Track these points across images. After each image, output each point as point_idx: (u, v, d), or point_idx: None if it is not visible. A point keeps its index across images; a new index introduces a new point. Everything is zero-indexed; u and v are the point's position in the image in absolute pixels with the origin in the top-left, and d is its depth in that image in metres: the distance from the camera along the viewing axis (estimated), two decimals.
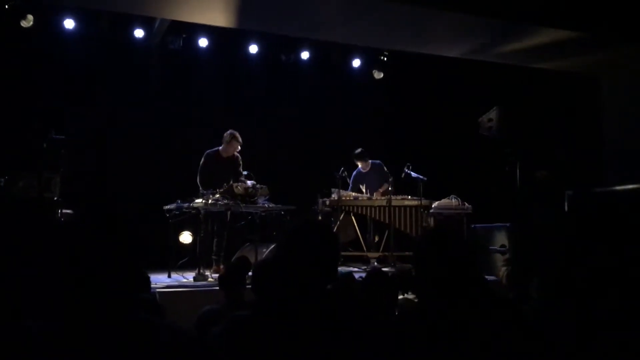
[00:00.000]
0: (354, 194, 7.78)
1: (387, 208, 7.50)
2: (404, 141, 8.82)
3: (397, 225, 7.54)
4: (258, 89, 9.03)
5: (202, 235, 6.42)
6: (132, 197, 7.78)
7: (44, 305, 1.37)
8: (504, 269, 3.49)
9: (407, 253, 7.50)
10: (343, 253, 7.30)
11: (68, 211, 6.10)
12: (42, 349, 1.28)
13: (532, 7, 6.29)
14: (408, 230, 7.62)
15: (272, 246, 6.24)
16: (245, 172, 6.63)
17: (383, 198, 7.60)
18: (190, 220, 6.55)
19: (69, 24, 7.72)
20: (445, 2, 6.03)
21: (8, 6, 7.09)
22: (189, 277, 6.09)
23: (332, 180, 7.47)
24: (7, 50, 7.38)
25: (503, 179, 6.79)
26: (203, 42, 8.44)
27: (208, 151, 6.74)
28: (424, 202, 7.52)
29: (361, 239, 7.89)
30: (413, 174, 7.49)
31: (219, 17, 6.40)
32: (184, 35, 8.22)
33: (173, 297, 5.09)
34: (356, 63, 9.43)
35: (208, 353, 1.70)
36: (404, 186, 7.84)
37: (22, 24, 7.25)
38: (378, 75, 9.42)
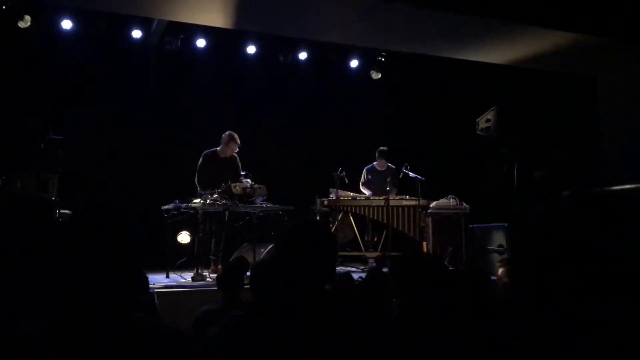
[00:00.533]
0: (352, 194, 7.78)
1: (385, 208, 7.51)
2: (402, 141, 8.82)
3: (395, 225, 7.56)
4: (256, 90, 9.03)
5: (200, 235, 6.42)
6: (130, 198, 7.78)
7: (42, 306, 1.37)
8: (501, 269, 3.49)
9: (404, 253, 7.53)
10: (341, 253, 7.30)
11: (66, 211, 6.10)
12: (40, 350, 1.28)
13: (531, 8, 6.30)
14: (406, 230, 7.63)
15: (270, 246, 6.24)
16: (243, 172, 6.64)
17: (381, 198, 7.61)
18: (188, 221, 6.55)
19: (67, 24, 7.72)
20: (442, 3, 6.03)
21: (5, 7, 7.07)
22: (187, 277, 6.08)
23: (330, 180, 7.48)
24: (5, 50, 7.37)
25: (501, 179, 6.80)
26: (201, 43, 8.44)
27: (206, 151, 6.75)
28: (422, 202, 7.53)
29: (359, 239, 7.90)
30: (411, 174, 7.50)
31: (218, 17, 6.40)
32: (181, 36, 8.22)
33: (171, 297, 5.09)
34: (354, 63, 9.44)
35: (206, 353, 1.70)
36: (402, 186, 7.86)
37: (19, 25, 7.24)
38: (376, 75, 9.42)
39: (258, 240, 6.35)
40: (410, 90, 9.37)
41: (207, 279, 5.94)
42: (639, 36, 6.66)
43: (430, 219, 7.50)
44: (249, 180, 6.44)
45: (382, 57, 9.23)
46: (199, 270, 6.06)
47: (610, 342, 1.07)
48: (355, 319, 1.81)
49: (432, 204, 7.55)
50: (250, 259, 6.00)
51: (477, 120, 7.08)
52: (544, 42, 6.84)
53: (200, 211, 6.19)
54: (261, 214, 6.50)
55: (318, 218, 7.60)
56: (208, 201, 6.09)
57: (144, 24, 8.06)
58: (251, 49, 8.75)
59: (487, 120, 6.72)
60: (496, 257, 6.66)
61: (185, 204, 6.19)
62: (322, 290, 1.85)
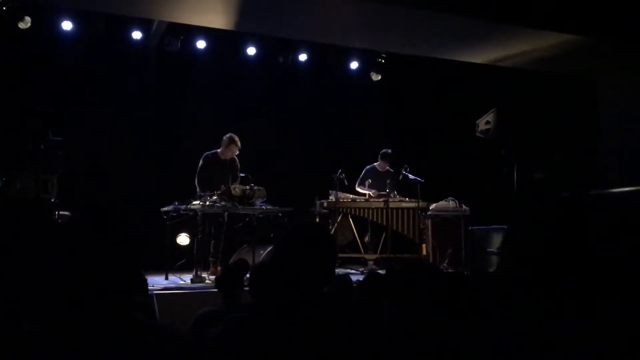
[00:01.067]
0: (351, 195, 7.78)
1: (384, 210, 7.51)
2: (401, 143, 8.82)
3: (394, 227, 7.56)
4: (256, 91, 9.03)
5: (199, 237, 6.42)
6: (130, 199, 7.77)
7: (42, 307, 1.37)
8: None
9: (404, 255, 7.52)
10: (340, 255, 7.30)
11: (65, 213, 6.09)
12: (39, 351, 1.28)
13: (531, 10, 6.30)
14: (405, 232, 7.63)
15: (270, 248, 6.24)
16: (242, 174, 6.63)
17: (380, 200, 7.61)
18: (187, 222, 6.55)
19: (67, 25, 7.71)
20: (442, 5, 6.04)
21: (6, 8, 7.08)
22: (186, 279, 6.08)
23: (330, 182, 7.48)
24: (5, 51, 7.37)
25: (500, 181, 6.81)
26: (201, 44, 8.44)
27: (207, 153, 6.74)
28: (422, 204, 7.52)
29: (359, 241, 7.90)
30: (410, 176, 7.50)
31: (217, 19, 6.41)
32: (181, 37, 8.22)
33: (170, 299, 5.09)
34: (354, 65, 9.44)
35: (206, 355, 1.70)
36: (402, 188, 7.85)
37: (19, 26, 7.24)
38: (376, 77, 9.42)
39: (257, 242, 6.35)
40: (410, 92, 9.37)
41: (207, 281, 5.94)
42: (638, 37, 6.66)
43: (429, 221, 7.50)
44: (247, 186, 6.44)
45: (382, 59, 9.24)
46: (198, 272, 6.06)
47: (608, 344, 1.07)
48: (354, 321, 1.81)
49: (432, 206, 7.55)
50: (249, 260, 6.00)
51: (476, 122, 7.09)
52: (543, 44, 6.84)
53: (199, 213, 6.19)
54: (261, 215, 6.50)
55: (317, 220, 7.60)
56: (208, 203, 6.09)
57: (143, 25, 8.06)
58: (251, 51, 8.75)
59: (487, 122, 6.73)
60: (496, 260, 6.66)
61: (184, 206, 6.18)
62: (321, 292, 1.85)
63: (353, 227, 7.89)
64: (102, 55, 8.17)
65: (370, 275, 3.69)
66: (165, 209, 6.31)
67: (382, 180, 7.78)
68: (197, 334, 2.92)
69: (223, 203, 6.15)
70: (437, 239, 7.40)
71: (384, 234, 7.62)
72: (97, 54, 8.12)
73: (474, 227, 7.29)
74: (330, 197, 7.58)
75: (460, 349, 1.52)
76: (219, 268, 6.30)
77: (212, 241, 6.51)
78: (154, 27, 8.05)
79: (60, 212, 5.90)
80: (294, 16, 6.29)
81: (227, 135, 6.71)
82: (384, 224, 7.51)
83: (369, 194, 7.79)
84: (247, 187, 6.37)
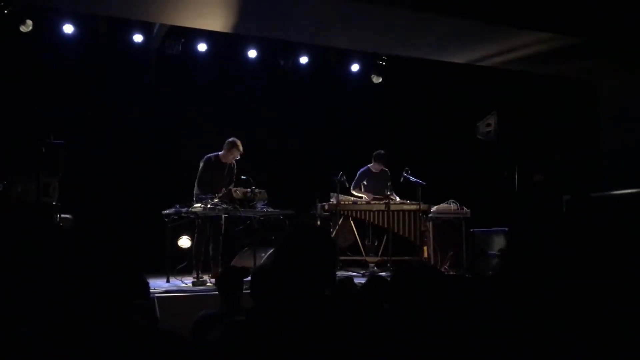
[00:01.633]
0: (352, 198, 7.78)
1: (385, 212, 7.50)
2: (402, 145, 8.83)
3: (395, 230, 7.55)
4: (257, 94, 9.04)
5: (196, 239, 6.42)
6: (131, 202, 7.78)
7: (42, 310, 1.38)
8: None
9: (406, 257, 7.52)
10: (342, 258, 7.30)
11: (66, 216, 6.11)
12: (40, 354, 1.28)
13: (531, 12, 6.31)
14: (407, 234, 7.62)
15: (271, 251, 6.24)
16: (243, 177, 6.63)
17: (382, 202, 7.60)
18: (188, 225, 6.55)
19: (68, 28, 7.72)
20: (442, 8, 6.05)
21: (7, 11, 7.09)
22: (187, 281, 6.08)
23: (331, 184, 7.47)
24: (7, 55, 7.39)
25: (501, 183, 6.81)
26: (202, 47, 8.45)
27: (209, 155, 6.73)
28: (423, 206, 7.52)
29: (360, 243, 7.89)
30: (412, 179, 7.49)
31: (217, 21, 6.42)
32: (182, 40, 8.23)
33: (172, 302, 5.09)
34: (355, 67, 9.44)
35: (206, 358, 1.70)
36: (403, 191, 7.85)
37: (21, 29, 7.25)
38: (377, 79, 9.42)
39: (258, 245, 6.36)
40: (411, 94, 9.37)
41: (208, 284, 5.93)
42: (638, 39, 6.67)
43: (430, 223, 7.50)
44: (248, 189, 6.44)
45: (382, 61, 9.24)
46: (199, 275, 6.06)
47: (607, 345, 1.07)
48: (355, 324, 1.81)
49: (433, 209, 7.55)
50: (250, 263, 6.01)
51: (477, 124, 7.09)
52: (544, 47, 6.85)
53: (200, 216, 6.19)
54: (262, 218, 6.50)
55: (319, 222, 7.59)
56: (209, 206, 6.09)
57: (144, 29, 8.07)
58: (252, 53, 8.76)
59: (488, 125, 6.73)
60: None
61: (185, 209, 6.19)
62: (322, 295, 1.85)
63: (354, 229, 7.88)
64: (103, 59, 8.19)
65: (372, 279, 3.69)
66: (167, 211, 6.31)
67: (378, 181, 7.77)
68: (196, 337, 2.93)
69: (224, 206, 6.15)
70: (438, 242, 7.40)
71: (385, 237, 7.61)
72: (98, 57, 8.13)
73: (475, 230, 7.29)
74: (332, 200, 7.58)
75: (460, 350, 1.52)
76: (219, 270, 6.29)
77: (211, 244, 6.50)
78: (154, 30, 8.06)
79: (62, 215, 5.90)
80: (294, 18, 6.30)
81: (231, 139, 6.69)
82: (385, 226, 7.51)
83: (364, 197, 7.78)
84: (248, 189, 6.37)
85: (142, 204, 7.67)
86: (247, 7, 5.95)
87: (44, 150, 5.77)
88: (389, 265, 7.30)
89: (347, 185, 7.58)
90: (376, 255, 7.79)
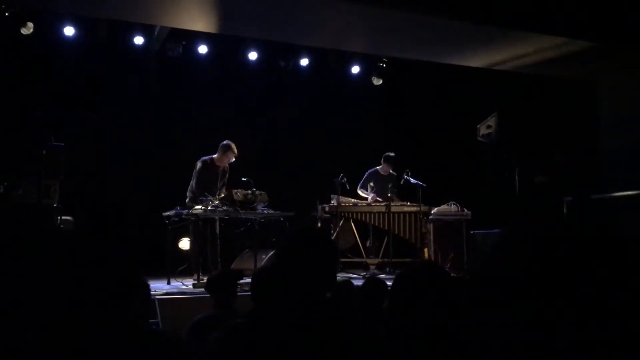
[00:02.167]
0: (353, 200, 7.77)
1: (386, 214, 7.51)
2: (403, 147, 8.83)
3: (396, 232, 7.55)
4: (257, 96, 9.05)
5: (192, 241, 6.43)
6: (132, 204, 7.78)
7: (42, 312, 1.38)
8: None
9: (406, 259, 7.52)
10: (342, 259, 7.30)
11: (67, 217, 6.11)
12: (39, 356, 1.28)
13: (532, 14, 6.31)
14: (407, 236, 7.62)
15: (271, 253, 6.24)
16: (244, 179, 6.63)
17: (382, 204, 7.60)
18: (189, 227, 6.55)
19: (69, 31, 7.74)
20: (442, 10, 6.05)
21: (8, 14, 7.11)
22: (188, 283, 6.08)
23: (332, 186, 7.48)
24: (8, 57, 7.40)
25: (502, 185, 6.80)
26: (202, 49, 8.47)
27: (204, 158, 6.73)
28: (423, 208, 7.52)
29: (360, 245, 7.89)
30: (412, 180, 7.50)
31: (216, 23, 6.42)
32: (183, 42, 8.24)
33: (172, 304, 5.09)
34: (355, 69, 9.46)
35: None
36: (404, 192, 7.85)
37: (22, 32, 7.26)
38: (377, 81, 9.44)
39: (259, 247, 6.35)
40: (411, 96, 9.38)
41: None
42: (638, 40, 6.67)
43: (431, 225, 7.50)
44: (249, 191, 6.43)
45: (383, 63, 9.26)
46: (200, 277, 6.06)
47: (606, 345, 1.07)
48: (355, 326, 1.81)
49: (434, 210, 7.55)
50: (251, 265, 6.01)
51: (478, 126, 7.09)
52: (544, 48, 6.85)
53: (201, 217, 6.20)
54: (262, 220, 6.50)
55: (319, 224, 7.60)
56: (209, 207, 6.10)
57: (145, 31, 8.08)
58: (252, 55, 8.77)
59: (488, 127, 6.74)
60: None
61: (186, 211, 6.19)
62: (323, 297, 1.86)
63: (355, 231, 7.89)
64: (104, 61, 8.20)
65: (370, 281, 3.69)
66: (167, 213, 6.31)
67: (385, 183, 7.76)
68: (193, 340, 2.92)
69: (225, 208, 6.15)
70: (439, 243, 7.40)
71: (385, 238, 7.62)
72: (98, 59, 8.15)
73: (476, 231, 7.29)
74: (332, 202, 7.58)
75: (460, 351, 1.52)
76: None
77: (209, 247, 6.50)
78: (155, 33, 8.08)
79: (62, 217, 5.91)
80: (294, 21, 6.30)
81: (225, 142, 6.69)
82: (386, 228, 7.51)
83: (369, 198, 7.77)
84: (249, 191, 6.37)
85: (143, 205, 7.67)
86: (247, 9, 5.95)
87: (44, 152, 5.77)
88: (388, 269, 7.30)
89: (348, 187, 7.58)
90: (377, 257, 7.79)
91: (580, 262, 1.15)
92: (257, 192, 6.43)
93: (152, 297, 4.87)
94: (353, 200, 7.78)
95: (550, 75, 7.80)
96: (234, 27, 6.60)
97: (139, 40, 8.10)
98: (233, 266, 6.61)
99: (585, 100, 7.92)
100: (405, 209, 7.64)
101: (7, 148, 7.08)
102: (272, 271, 2.77)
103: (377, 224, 7.63)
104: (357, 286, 3.73)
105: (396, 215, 7.57)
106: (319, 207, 7.68)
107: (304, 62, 9.09)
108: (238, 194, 6.28)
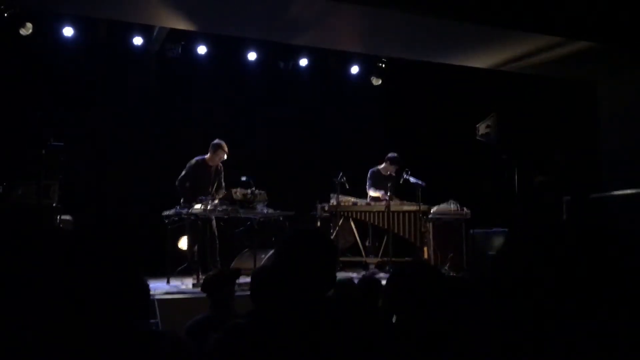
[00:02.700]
0: (353, 199, 7.77)
1: (385, 213, 7.51)
2: (402, 146, 8.83)
3: (395, 231, 7.55)
4: (257, 96, 9.04)
5: (190, 241, 6.43)
6: (131, 204, 7.78)
7: (42, 313, 1.38)
8: None
9: (406, 258, 7.52)
10: (342, 258, 7.30)
11: (67, 217, 6.11)
12: (39, 356, 1.28)
13: (531, 14, 6.31)
14: (407, 235, 7.63)
15: (271, 252, 6.24)
16: (244, 178, 6.63)
17: (382, 204, 7.61)
18: (189, 227, 6.55)
19: (68, 31, 7.73)
20: (442, 10, 6.05)
21: (7, 14, 7.10)
22: (188, 283, 6.08)
23: (331, 185, 7.48)
24: (7, 58, 7.39)
25: (501, 185, 6.81)
26: (202, 50, 8.46)
27: (197, 158, 6.73)
28: (423, 207, 7.52)
29: (360, 244, 7.89)
30: (412, 179, 7.50)
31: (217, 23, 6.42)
32: (182, 43, 8.24)
33: (172, 304, 5.09)
34: (354, 70, 9.46)
35: None
36: (403, 191, 7.85)
37: (21, 32, 7.26)
38: (376, 81, 9.44)
39: (259, 246, 6.36)
40: (411, 96, 9.39)
41: None
42: (638, 42, 6.67)
43: (431, 224, 7.50)
44: (248, 190, 6.43)
45: (382, 64, 9.26)
46: (200, 277, 6.06)
47: (605, 345, 1.07)
48: (357, 325, 1.81)
49: (433, 209, 7.55)
50: (250, 264, 6.01)
51: (477, 125, 7.10)
52: (544, 48, 6.85)
53: (199, 217, 6.20)
54: (262, 219, 6.50)
55: (319, 223, 7.60)
56: (209, 207, 6.10)
57: (144, 31, 8.08)
58: (252, 56, 8.77)
59: (487, 126, 6.74)
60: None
61: (185, 210, 6.19)
62: (323, 297, 1.86)
63: (354, 230, 7.89)
64: (103, 61, 8.19)
65: (365, 280, 3.70)
66: (167, 213, 6.31)
67: (384, 182, 7.77)
68: (192, 342, 2.92)
69: (224, 207, 6.15)
70: (439, 242, 7.40)
71: (385, 238, 7.62)
72: (98, 60, 8.14)
73: (475, 230, 7.29)
74: (332, 201, 7.58)
75: (459, 352, 1.53)
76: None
77: (208, 246, 6.50)
78: (155, 33, 8.07)
79: (62, 217, 5.91)
80: (294, 21, 6.30)
81: (215, 141, 6.69)
82: (385, 227, 7.51)
83: (381, 196, 7.72)
84: (249, 191, 6.38)
85: (143, 205, 7.67)
86: (247, 10, 5.94)
87: (44, 152, 5.78)
88: (387, 268, 7.30)
89: (347, 187, 7.58)
90: (376, 256, 7.79)
91: (580, 261, 1.15)
92: (257, 191, 6.43)
93: (152, 297, 4.87)
94: (352, 199, 7.78)
95: (550, 75, 7.79)
96: (236, 28, 6.58)
97: (138, 40, 8.09)
98: (232, 266, 6.61)
99: (585, 101, 7.93)
100: (405, 208, 7.64)
101: (7, 148, 7.08)
102: (271, 271, 2.76)
103: (376, 223, 7.63)
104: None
105: (396, 214, 7.58)
106: (319, 206, 7.68)
107: (304, 62, 9.09)
108: (237, 193, 6.29)
